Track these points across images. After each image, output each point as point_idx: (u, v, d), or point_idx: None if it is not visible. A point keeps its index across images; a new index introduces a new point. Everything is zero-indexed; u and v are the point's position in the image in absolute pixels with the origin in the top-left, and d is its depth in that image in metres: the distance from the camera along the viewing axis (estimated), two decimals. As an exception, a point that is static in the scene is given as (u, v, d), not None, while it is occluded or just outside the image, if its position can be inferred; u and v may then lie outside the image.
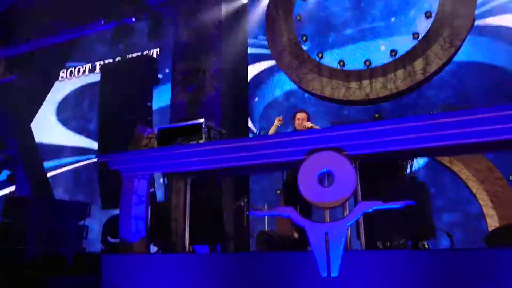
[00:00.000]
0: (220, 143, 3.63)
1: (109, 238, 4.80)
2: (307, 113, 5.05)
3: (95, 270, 4.07)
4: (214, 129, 3.81)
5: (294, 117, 5.00)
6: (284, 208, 3.37)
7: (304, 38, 7.61)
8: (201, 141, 3.64)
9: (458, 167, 6.03)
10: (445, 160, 5.93)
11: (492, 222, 5.66)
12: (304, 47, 7.30)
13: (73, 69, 10.86)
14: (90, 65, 10.64)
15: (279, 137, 3.54)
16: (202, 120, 3.72)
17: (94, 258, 4.32)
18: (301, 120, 4.89)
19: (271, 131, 4.80)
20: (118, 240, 4.56)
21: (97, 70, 10.31)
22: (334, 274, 2.93)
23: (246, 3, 7.82)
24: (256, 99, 8.99)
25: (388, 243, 3.62)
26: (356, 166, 3.30)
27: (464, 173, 6.03)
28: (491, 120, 2.96)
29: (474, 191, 5.91)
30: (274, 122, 4.87)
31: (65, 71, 10.94)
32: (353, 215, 3.12)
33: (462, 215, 6.15)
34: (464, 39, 6.02)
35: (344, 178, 3.18)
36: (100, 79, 9.21)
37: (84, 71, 10.72)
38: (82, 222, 4.35)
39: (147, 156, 3.81)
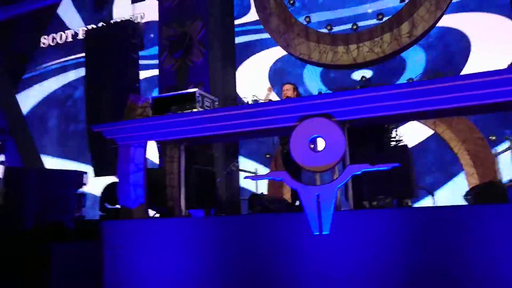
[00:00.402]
0: (214, 111, 3.73)
1: (106, 205, 4.94)
2: (293, 85, 5.24)
3: (94, 236, 4.24)
4: (207, 98, 3.89)
5: (282, 88, 5.21)
6: (277, 173, 3.54)
7: (292, 1, 7.56)
8: (195, 110, 3.74)
9: (441, 128, 6.25)
10: (429, 122, 6.14)
11: (472, 180, 5.96)
12: (292, 11, 7.26)
13: (55, 35, 10.61)
14: (73, 31, 10.40)
15: (271, 105, 3.65)
16: (196, 89, 3.80)
17: (93, 224, 4.47)
18: (286, 91, 5.12)
19: (265, 100, 5.00)
20: (116, 207, 4.71)
21: (80, 36, 10.10)
22: (326, 232, 3.15)
23: (232, -35, 7.67)
24: (244, 63, 8.99)
25: (375, 203, 3.83)
26: (344, 131, 3.45)
27: (447, 134, 6.27)
28: (474, 85, 3.11)
29: (456, 151, 6.16)
30: (265, 90, 5.04)
31: (47, 37, 10.68)
32: (343, 177, 3.29)
33: (445, 175, 6.42)
34: (450, 2, 6.08)
35: (334, 143, 3.33)
36: (85, 45, 9.06)
37: (67, 38, 10.48)
38: (80, 190, 4.48)
39: (144, 125, 3.89)
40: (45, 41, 10.54)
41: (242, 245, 3.50)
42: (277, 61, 8.07)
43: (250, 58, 8.42)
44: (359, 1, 7.65)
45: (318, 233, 3.15)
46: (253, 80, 8.20)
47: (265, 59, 8.28)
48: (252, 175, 4.85)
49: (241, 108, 3.65)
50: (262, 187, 6.43)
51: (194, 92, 3.82)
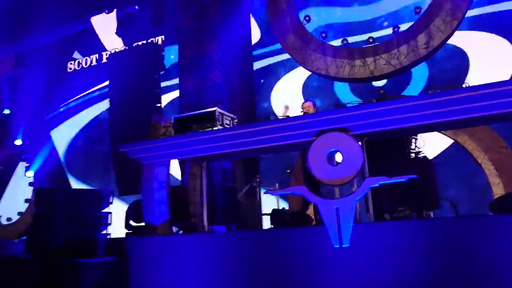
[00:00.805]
0: (234, 129, 3.83)
1: (131, 223, 5.07)
2: (312, 102, 5.38)
3: (120, 252, 4.35)
4: (226, 116, 4.01)
5: (302, 106, 5.34)
6: (297, 187, 3.59)
7: (307, 18, 7.68)
8: (215, 128, 3.86)
9: (462, 138, 6.17)
10: (449, 132, 6.07)
11: (498, 190, 5.83)
12: (307, 27, 7.37)
13: (80, 60, 11.03)
14: (97, 55, 10.80)
15: (289, 121, 3.73)
16: (215, 108, 3.92)
17: (119, 241, 4.60)
18: (308, 108, 5.26)
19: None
20: (140, 225, 4.83)
21: (104, 60, 10.48)
22: (346, 244, 3.17)
23: (247, -14, 7.88)
24: (262, 80, 9.12)
25: (395, 215, 3.82)
26: (362, 144, 3.48)
27: (469, 144, 6.17)
28: (489, 95, 3.11)
29: (479, 161, 6.05)
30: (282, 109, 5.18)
31: (73, 62, 11.12)
32: (361, 190, 3.32)
33: (468, 187, 6.29)
34: (466, 12, 6.07)
35: (351, 156, 3.38)
36: (108, 69, 9.40)
37: (91, 62, 10.89)
38: (106, 209, 4.64)
39: (167, 144, 4.03)
40: (71, 65, 10.98)
41: (264, 258, 3.54)
42: (309, 77, 8.17)
43: (284, 76, 8.57)
44: (375, 14, 7.70)
45: (338, 246, 3.18)
46: (287, 97, 8.31)
47: (298, 76, 8.41)
48: (272, 190, 4.90)
49: (259, 125, 3.75)
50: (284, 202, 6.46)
51: (214, 110, 3.94)
